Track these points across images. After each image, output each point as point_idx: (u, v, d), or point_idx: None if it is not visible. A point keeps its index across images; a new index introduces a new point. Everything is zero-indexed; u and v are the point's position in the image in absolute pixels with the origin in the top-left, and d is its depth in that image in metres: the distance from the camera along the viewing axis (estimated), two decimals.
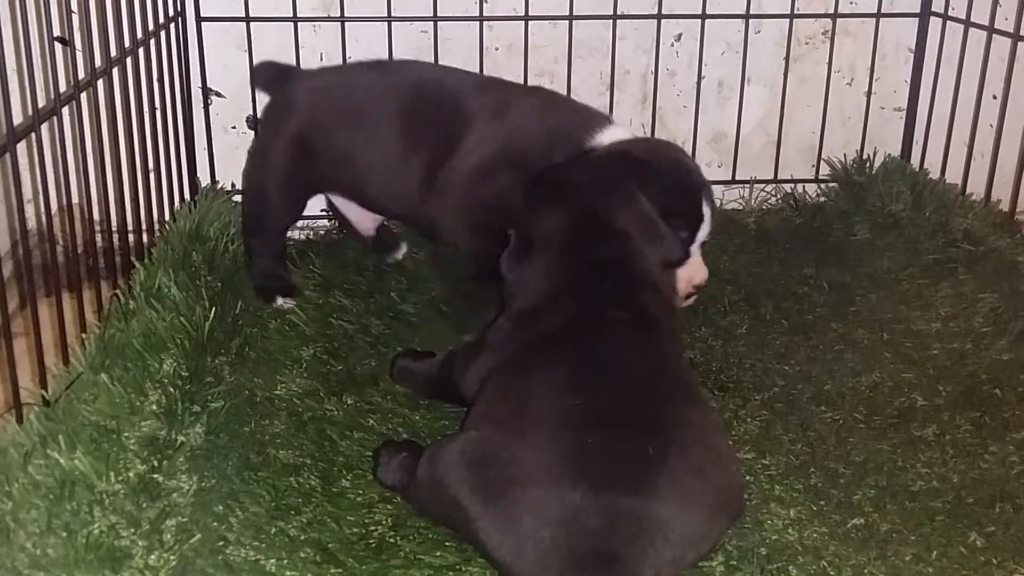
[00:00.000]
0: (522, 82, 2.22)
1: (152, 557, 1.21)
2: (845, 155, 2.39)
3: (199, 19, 2.14)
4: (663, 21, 2.24)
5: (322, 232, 2.21)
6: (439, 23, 2.18)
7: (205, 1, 2.13)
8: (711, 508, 1.21)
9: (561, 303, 1.40)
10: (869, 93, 2.36)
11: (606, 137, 1.70)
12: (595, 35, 2.26)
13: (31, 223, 1.95)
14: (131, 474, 1.30)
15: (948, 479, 1.45)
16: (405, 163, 1.79)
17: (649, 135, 2.31)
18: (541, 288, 1.44)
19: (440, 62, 2.19)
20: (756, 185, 2.40)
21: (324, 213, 2.17)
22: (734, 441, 1.53)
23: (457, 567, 1.26)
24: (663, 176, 1.59)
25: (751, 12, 2.25)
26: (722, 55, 2.32)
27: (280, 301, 1.89)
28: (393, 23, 2.17)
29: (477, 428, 1.28)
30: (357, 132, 1.82)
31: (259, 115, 2.06)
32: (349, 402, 1.62)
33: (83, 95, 1.54)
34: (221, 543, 1.30)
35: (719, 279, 2.03)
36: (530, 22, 2.20)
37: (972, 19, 2.15)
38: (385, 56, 2.18)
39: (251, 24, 2.15)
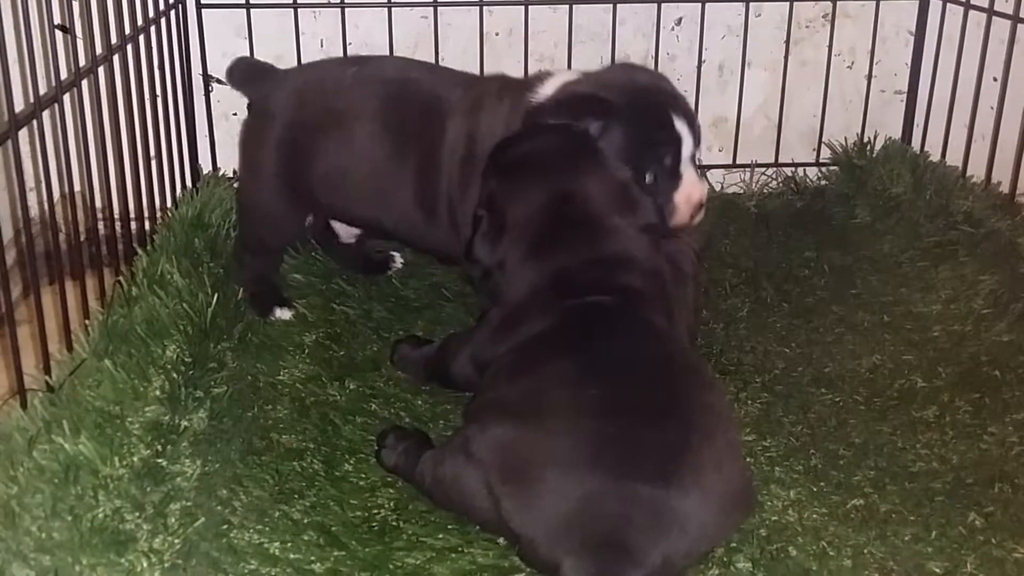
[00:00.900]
0: (523, 68, 2.22)
1: (156, 540, 1.22)
2: (846, 138, 2.39)
3: (199, 6, 2.14)
4: (663, 5, 2.24)
5: None
6: (439, 8, 2.18)
7: None
8: (729, 503, 1.21)
9: (549, 295, 1.39)
10: (869, 76, 2.36)
11: (548, 87, 1.60)
12: (595, 19, 2.25)
13: (33, 211, 1.95)
14: (135, 459, 1.31)
15: (948, 460, 1.45)
16: (395, 176, 1.69)
17: None
18: (526, 279, 1.42)
19: (440, 48, 2.19)
20: (757, 169, 2.40)
21: None
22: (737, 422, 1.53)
23: (459, 549, 1.27)
24: (623, 111, 1.51)
25: None
26: (722, 39, 2.32)
27: (278, 312, 1.82)
28: (393, 9, 2.17)
29: (489, 418, 1.27)
30: (341, 137, 1.71)
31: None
32: (351, 387, 1.63)
33: (84, 82, 1.54)
34: (225, 526, 1.31)
35: (720, 262, 2.04)
36: (530, 7, 2.20)
37: (972, 1, 2.14)
38: (385, 43, 2.18)
39: (251, 11, 2.15)
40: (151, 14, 1.87)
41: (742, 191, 2.38)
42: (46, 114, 1.42)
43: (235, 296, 1.82)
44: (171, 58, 1.99)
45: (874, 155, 2.34)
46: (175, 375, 1.49)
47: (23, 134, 1.36)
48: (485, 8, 2.19)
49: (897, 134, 2.41)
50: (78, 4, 1.65)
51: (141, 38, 1.79)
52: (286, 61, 2.18)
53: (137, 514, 1.24)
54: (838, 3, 2.29)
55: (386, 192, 1.72)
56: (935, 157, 2.27)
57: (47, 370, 1.41)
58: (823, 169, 2.41)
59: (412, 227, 1.73)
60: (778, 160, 2.39)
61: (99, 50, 1.61)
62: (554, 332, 1.35)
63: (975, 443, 1.49)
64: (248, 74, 1.88)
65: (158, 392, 1.44)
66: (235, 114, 2.25)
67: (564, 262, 1.40)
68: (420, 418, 1.56)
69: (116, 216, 1.69)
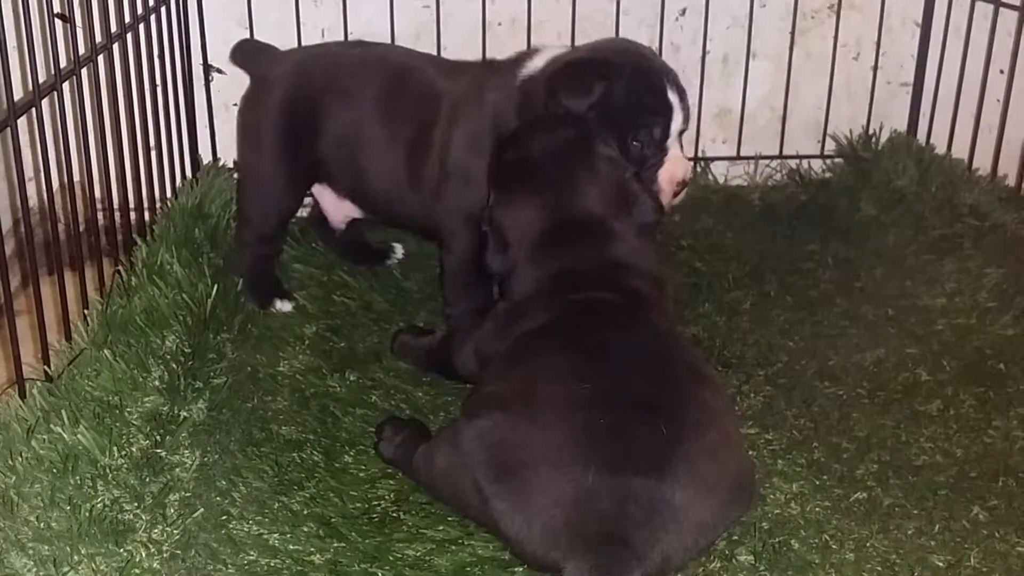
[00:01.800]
0: None
1: (155, 531, 1.21)
2: (851, 130, 2.37)
3: None
4: None
5: None
6: None
7: None
8: (726, 494, 1.20)
9: (553, 290, 1.40)
10: (875, 68, 2.34)
11: (537, 61, 1.62)
12: (598, 9, 2.24)
13: (33, 201, 1.94)
14: (134, 449, 1.30)
15: (951, 454, 1.44)
16: (391, 148, 1.74)
17: None
18: (532, 278, 1.43)
19: (442, 38, 2.18)
20: (761, 161, 2.38)
21: None
22: (738, 416, 1.52)
23: (459, 541, 1.27)
24: (621, 73, 1.52)
25: None
26: (727, 29, 2.30)
27: (279, 304, 1.82)
28: None
29: (485, 412, 1.26)
30: (340, 111, 1.76)
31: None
32: (352, 378, 1.62)
33: (83, 71, 1.53)
34: (224, 517, 1.30)
35: (724, 255, 2.03)
36: None
37: None
38: (387, 32, 2.16)
39: (252, 0, 2.13)
40: (151, 2, 1.86)
41: (746, 183, 2.36)
42: (45, 103, 1.41)
43: (235, 287, 1.81)
44: (171, 47, 1.98)
45: (879, 147, 2.33)
46: (174, 365, 1.48)
47: (22, 123, 1.35)
48: None
49: (902, 126, 2.39)
50: None
51: (141, 27, 1.79)
52: None
53: (136, 504, 1.23)
54: None
55: (377, 163, 1.75)
56: (941, 150, 2.25)
57: (46, 360, 1.41)
58: (828, 161, 2.40)
59: (397, 197, 1.76)
60: (782, 152, 2.37)
61: (99, 39, 1.60)
62: (553, 325, 1.35)
63: (979, 437, 1.48)
64: (250, 52, 1.92)
65: (157, 382, 1.43)
66: (235, 104, 2.23)
67: (567, 265, 1.41)
68: (421, 410, 1.55)
69: (116, 206, 1.68)
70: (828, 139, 2.38)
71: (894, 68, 2.38)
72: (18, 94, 1.34)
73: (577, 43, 2.20)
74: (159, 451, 1.34)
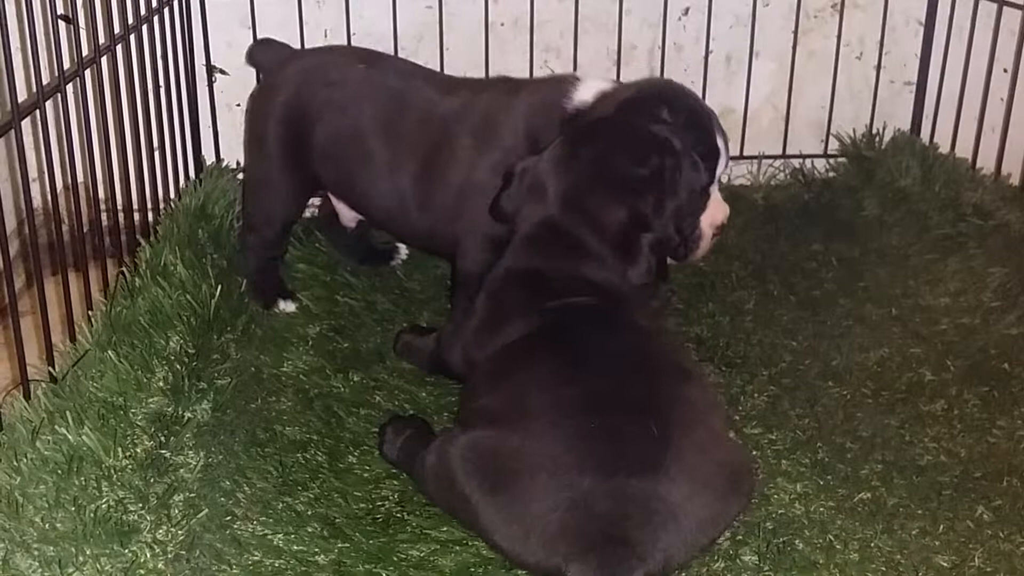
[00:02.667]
0: (528, 58, 2.21)
1: (160, 531, 1.22)
2: (854, 130, 2.37)
3: None
4: None
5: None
6: None
7: None
8: (722, 489, 1.20)
9: (529, 297, 1.40)
10: (878, 67, 2.34)
11: (585, 93, 1.60)
12: (601, 9, 2.24)
13: (37, 202, 1.95)
14: (138, 450, 1.30)
15: (956, 453, 1.44)
16: (393, 171, 1.72)
17: None
18: (507, 288, 1.44)
19: (445, 38, 2.18)
20: (764, 160, 2.38)
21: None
22: (741, 416, 1.53)
23: (463, 542, 1.27)
24: (651, 129, 1.49)
25: None
26: (730, 29, 2.30)
27: (282, 305, 1.82)
28: None
29: (476, 426, 1.27)
30: (338, 126, 1.75)
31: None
32: (355, 379, 1.62)
33: (87, 72, 1.53)
34: (229, 518, 1.30)
35: (727, 255, 2.03)
36: None
37: None
38: (390, 32, 2.16)
39: (255, 0, 2.13)
40: (154, 3, 1.86)
41: (749, 183, 2.36)
42: (49, 104, 1.42)
43: (239, 287, 1.81)
44: (174, 48, 1.98)
45: (883, 147, 2.32)
46: (178, 366, 1.49)
47: (26, 124, 1.35)
48: None
49: (906, 126, 2.39)
50: None
51: (144, 28, 1.79)
52: None
53: (140, 505, 1.23)
54: None
55: (378, 182, 1.74)
56: (944, 149, 2.25)
57: (50, 361, 1.41)
58: (831, 161, 2.39)
59: (399, 215, 1.74)
60: (786, 152, 2.37)
61: (102, 40, 1.60)
62: (535, 334, 1.36)
63: (983, 436, 1.48)
64: (263, 51, 1.91)
65: (161, 383, 1.44)
66: (238, 105, 2.24)
67: (541, 265, 1.42)
68: (424, 410, 1.55)
69: (119, 207, 1.68)
70: (831, 138, 2.38)
71: (897, 67, 2.37)
72: (22, 96, 1.34)
73: (580, 43, 2.21)
74: (163, 452, 1.34)
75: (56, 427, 1.29)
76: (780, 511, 1.33)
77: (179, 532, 1.23)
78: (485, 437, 1.23)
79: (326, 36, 2.20)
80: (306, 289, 1.88)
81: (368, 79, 1.77)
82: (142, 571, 1.16)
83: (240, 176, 2.12)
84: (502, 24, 2.23)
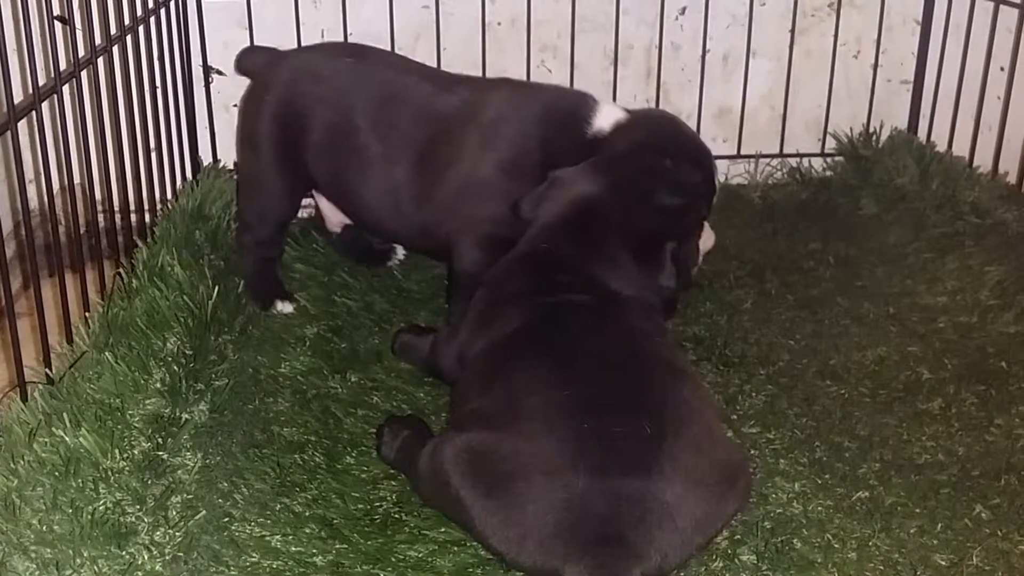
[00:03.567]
0: (525, 58, 2.21)
1: (158, 533, 1.21)
2: (851, 129, 2.37)
3: None
4: None
5: None
6: None
7: None
8: (717, 487, 1.20)
9: (523, 292, 1.41)
10: (875, 66, 2.34)
11: (603, 120, 1.64)
12: (598, 9, 2.24)
13: (33, 203, 1.95)
14: (136, 451, 1.30)
15: (954, 452, 1.44)
16: (387, 167, 1.72)
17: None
18: (508, 276, 1.46)
19: (442, 37, 2.18)
20: (762, 160, 2.38)
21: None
22: (739, 415, 1.53)
23: (461, 543, 1.27)
24: (680, 170, 1.57)
25: None
26: (727, 28, 2.30)
27: (280, 306, 1.82)
28: None
29: (469, 428, 1.27)
30: (329, 123, 1.74)
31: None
32: (353, 380, 1.62)
33: (83, 73, 1.53)
34: (226, 519, 1.30)
35: (724, 254, 2.03)
36: None
37: None
38: (387, 32, 2.16)
39: (251, 0, 2.13)
40: (151, 4, 1.86)
41: (746, 182, 2.36)
42: (45, 105, 1.41)
43: (236, 288, 1.81)
44: (171, 49, 1.98)
45: (880, 145, 2.33)
46: (176, 368, 1.48)
47: (22, 126, 1.35)
48: None
49: (903, 124, 2.39)
50: None
51: (140, 29, 1.78)
52: None
53: (138, 507, 1.23)
54: None
55: (370, 179, 1.74)
56: (941, 147, 2.25)
57: (47, 363, 1.41)
58: (828, 160, 2.40)
59: (391, 213, 1.75)
60: (783, 151, 2.37)
61: (98, 41, 1.60)
62: (526, 334, 1.36)
63: (981, 435, 1.48)
64: (251, 56, 1.91)
65: (159, 385, 1.43)
66: (235, 105, 2.23)
67: (554, 250, 1.45)
68: (422, 411, 1.55)
69: (116, 208, 1.68)
70: (828, 137, 2.38)
71: (894, 66, 2.38)
72: (18, 97, 1.34)
73: (577, 43, 2.21)
74: (161, 453, 1.34)
75: (53, 429, 1.28)
76: (778, 510, 1.33)
77: (177, 534, 1.23)
78: (479, 439, 1.23)
79: (323, 36, 2.19)
80: (303, 290, 1.88)
81: (358, 73, 1.77)
82: (140, 573, 1.15)
83: (236, 177, 2.12)
84: (499, 24, 2.23)
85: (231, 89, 2.21)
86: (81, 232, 1.63)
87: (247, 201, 1.87)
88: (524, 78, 2.20)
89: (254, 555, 1.25)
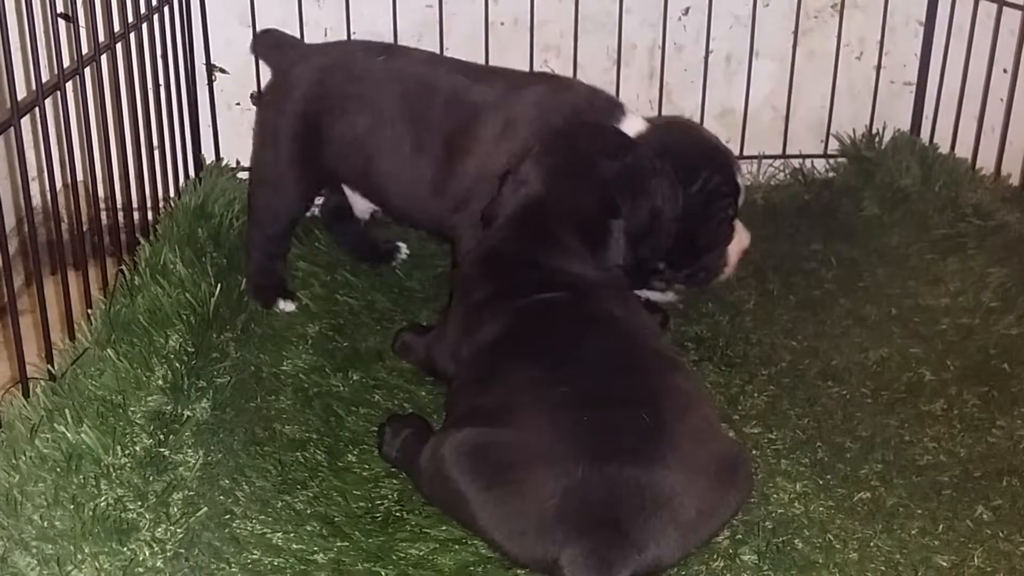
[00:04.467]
0: (528, 58, 2.21)
1: (159, 530, 1.21)
2: (854, 130, 2.37)
3: None
4: None
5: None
6: None
7: None
8: (716, 477, 1.20)
9: (499, 296, 1.41)
10: (878, 67, 2.34)
11: (629, 129, 1.65)
12: (601, 9, 2.24)
13: (36, 200, 1.95)
14: (137, 448, 1.30)
15: (955, 453, 1.44)
16: (415, 157, 1.73)
17: (656, 111, 2.29)
18: (473, 282, 1.46)
19: (445, 37, 2.18)
20: (764, 160, 2.38)
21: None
22: (740, 416, 1.53)
23: (462, 540, 1.27)
24: (702, 170, 1.63)
25: None
26: (730, 29, 2.30)
27: (282, 304, 1.82)
28: None
29: (467, 423, 1.27)
30: (361, 118, 1.75)
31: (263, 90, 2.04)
32: (355, 378, 1.62)
33: (87, 70, 1.53)
34: (228, 516, 1.30)
35: None
36: None
37: None
38: (389, 31, 2.16)
39: None
40: (154, 2, 1.86)
41: (749, 183, 2.35)
42: (48, 102, 1.41)
43: (238, 286, 1.81)
44: (174, 47, 1.98)
45: (882, 147, 2.32)
46: (178, 365, 1.48)
47: (26, 123, 1.35)
48: None
49: (906, 126, 2.39)
50: None
51: (144, 26, 1.79)
52: None
53: (139, 503, 1.23)
54: None
55: (399, 171, 1.74)
56: (944, 149, 2.25)
57: (49, 359, 1.41)
58: (831, 161, 2.39)
59: (417, 203, 1.76)
60: (785, 152, 2.37)
61: (102, 38, 1.60)
62: (513, 334, 1.36)
63: (983, 436, 1.48)
64: (274, 45, 1.91)
65: (160, 382, 1.43)
66: (238, 104, 2.24)
67: (511, 248, 1.46)
68: (424, 409, 1.55)
69: (119, 205, 1.68)
70: (831, 139, 2.38)
71: (897, 67, 2.38)
72: (21, 94, 1.34)
73: (580, 43, 2.21)
74: (163, 450, 1.34)
75: (55, 425, 1.28)
76: (779, 510, 1.33)
77: (178, 530, 1.23)
78: (478, 433, 1.23)
79: (326, 35, 2.20)
80: (306, 288, 1.88)
81: (392, 69, 1.77)
82: (141, 569, 1.16)
83: (240, 175, 2.12)
84: (502, 23, 2.23)
85: (234, 87, 2.22)
86: (84, 229, 1.63)
87: (261, 198, 1.86)
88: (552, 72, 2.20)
89: (255, 552, 1.25)
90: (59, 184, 1.49)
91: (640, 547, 1.13)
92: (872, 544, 1.27)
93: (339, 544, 1.26)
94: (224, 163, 2.20)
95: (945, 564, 1.24)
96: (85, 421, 1.30)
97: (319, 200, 2.15)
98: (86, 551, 1.14)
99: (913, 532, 1.29)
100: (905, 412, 1.53)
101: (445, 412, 1.47)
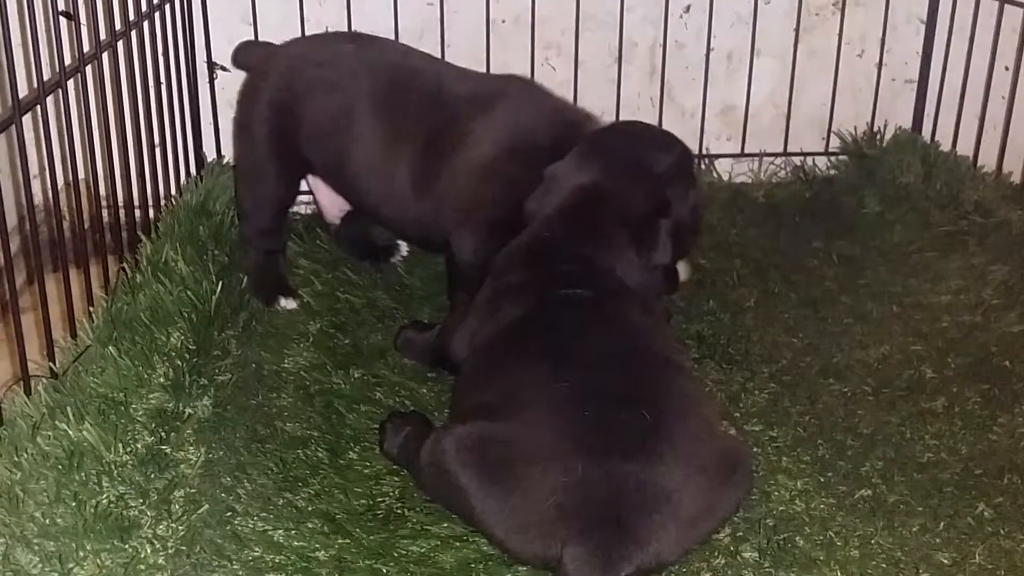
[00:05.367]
0: (529, 55, 2.21)
1: (161, 527, 1.22)
2: (855, 127, 2.37)
3: None
4: None
5: None
6: None
7: None
8: (716, 475, 1.21)
9: (531, 282, 1.42)
10: (880, 65, 2.34)
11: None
12: (602, 7, 2.24)
13: (37, 198, 1.95)
14: (139, 445, 1.31)
15: (956, 451, 1.44)
16: (387, 152, 1.72)
17: (657, 109, 2.29)
18: (510, 266, 1.47)
19: (447, 35, 2.18)
20: (765, 158, 2.38)
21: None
22: (742, 413, 1.53)
23: (464, 537, 1.27)
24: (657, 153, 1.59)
25: None
26: (731, 27, 2.30)
27: (283, 302, 1.82)
28: None
29: (470, 418, 1.27)
30: (333, 106, 1.75)
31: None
32: (356, 375, 1.62)
33: (88, 68, 1.53)
34: (229, 514, 1.30)
35: (728, 252, 2.03)
36: None
37: None
38: (391, 29, 2.16)
39: None
40: (155, 0, 1.86)
41: (750, 180, 2.36)
42: (50, 100, 1.41)
43: (239, 284, 1.81)
44: (175, 45, 1.98)
45: (884, 145, 2.32)
46: (179, 362, 1.49)
47: (27, 120, 1.35)
48: None
49: (907, 123, 2.39)
50: None
51: (145, 24, 1.79)
52: None
53: (141, 501, 1.23)
54: None
55: (371, 165, 1.74)
56: (946, 147, 2.25)
57: (51, 357, 1.41)
58: (832, 158, 2.39)
59: (390, 200, 1.75)
60: (787, 149, 2.37)
61: (103, 36, 1.60)
62: (525, 326, 1.36)
63: (984, 434, 1.48)
64: (247, 50, 1.95)
65: (162, 379, 1.44)
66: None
67: (556, 239, 1.47)
68: (425, 407, 1.55)
69: (120, 203, 1.68)
70: (833, 136, 2.38)
71: (899, 65, 2.37)
72: (23, 91, 1.34)
73: (581, 41, 2.21)
74: (164, 448, 1.34)
75: (57, 423, 1.29)
76: (781, 508, 1.33)
77: (180, 528, 1.23)
78: (480, 429, 1.23)
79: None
80: (307, 286, 1.88)
81: (362, 56, 1.77)
82: (142, 567, 1.16)
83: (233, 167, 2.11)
84: (503, 21, 2.23)
85: (235, 85, 2.20)
86: (85, 227, 1.63)
87: (244, 189, 1.87)
88: (528, 76, 2.20)
89: (257, 549, 1.25)
90: (61, 182, 1.49)
91: (642, 544, 1.14)
92: (873, 541, 1.27)
93: (340, 541, 1.26)
94: (225, 161, 2.20)
95: (946, 561, 1.24)
96: (87, 419, 1.30)
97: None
98: (88, 548, 1.15)
99: (914, 529, 1.29)
100: (906, 409, 1.53)
101: (451, 407, 1.47)
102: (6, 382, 1.47)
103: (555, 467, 1.16)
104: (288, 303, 1.82)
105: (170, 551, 1.20)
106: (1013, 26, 2.05)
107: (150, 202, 1.82)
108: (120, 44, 1.66)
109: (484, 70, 2.18)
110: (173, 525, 1.23)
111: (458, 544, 1.26)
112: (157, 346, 1.49)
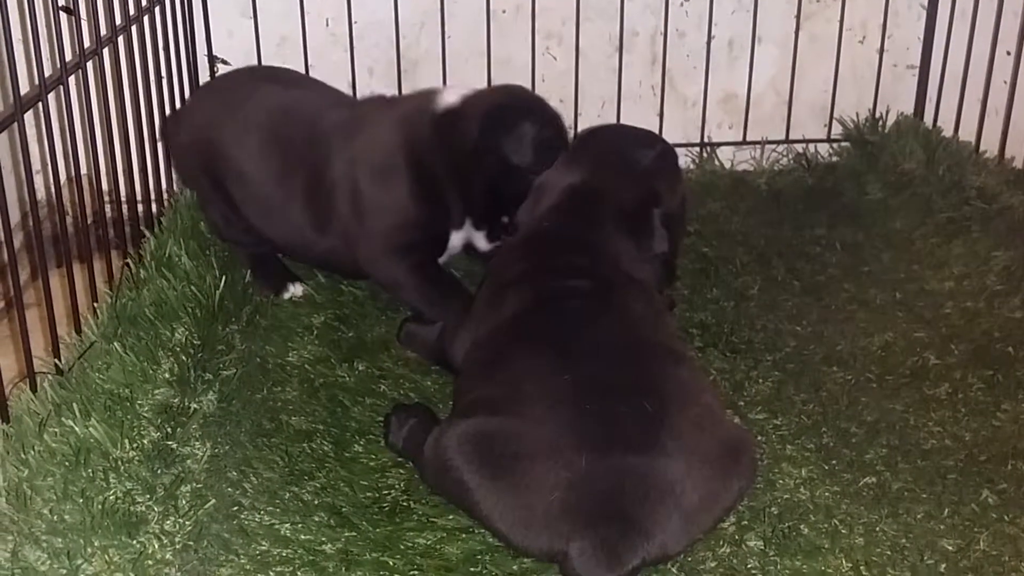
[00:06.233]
0: (529, 45, 2.20)
1: (168, 522, 1.22)
2: (857, 114, 2.37)
3: None
4: None
5: None
6: None
7: None
8: (720, 465, 1.21)
9: (531, 275, 1.42)
10: (881, 51, 2.33)
11: (450, 96, 1.69)
12: None
13: (40, 194, 1.95)
14: (145, 441, 1.31)
15: (960, 437, 1.44)
16: (282, 194, 1.74)
17: (659, 98, 2.29)
18: (510, 259, 1.48)
19: (447, 26, 2.17)
20: (767, 145, 2.38)
21: None
22: (746, 402, 1.53)
23: (469, 529, 1.27)
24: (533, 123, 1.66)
25: None
26: (732, 14, 2.29)
27: (291, 288, 1.82)
28: None
29: (472, 413, 1.27)
30: (233, 151, 1.77)
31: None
32: (360, 368, 1.63)
33: (89, 64, 1.53)
34: (236, 508, 1.31)
35: (731, 240, 2.03)
36: None
37: None
38: (391, 21, 2.16)
39: None
40: None
41: (752, 168, 2.36)
42: (52, 96, 1.42)
43: (243, 278, 1.81)
44: (176, 39, 1.98)
45: (886, 131, 2.32)
46: (184, 357, 1.49)
47: (29, 117, 1.35)
48: None
49: (909, 109, 2.38)
50: None
51: (145, 19, 1.78)
52: (291, 41, 2.17)
53: (148, 496, 1.24)
54: None
55: (276, 207, 1.76)
56: (948, 132, 2.24)
57: (56, 353, 1.41)
58: (834, 145, 2.39)
59: (303, 244, 1.78)
60: (789, 137, 2.37)
61: (103, 31, 1.60)
62: (526, 319, 1.37)
63: (988, 420, 1.48)
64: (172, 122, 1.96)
65: (167, 374, 1.44)
66: None
67: (557, 230, 1.49)
68: (429, 399, 1.55)
69: (123, 198, 1.68)
70: (834, 123, 2.37)
71: (900, 51, 2.37)
72: (24, 88, 1.34)
73: (582, 30, 2.20)
74: (170, 443, 1.34)
75: (63, 419, 1.29)
76: (785, 496, 1.33)
77: (186, 523, 1.24)
78: (482, 423, 1.23)
79: (327, 25, 2.19)
80: (310, 279, 1.88)
81: (262, 94, 1.80)
82: (150, 562, 1.16)
83: None
84: (504, 11, 2.23)
85: None
86: (89, 223, 1.64)
87: (204, 210, 1.87)
88: (529, 66, 2.20)
89: (263, 543, 1.25)
90: (63, 178, 1.49)
91: (647, 536, 1.14)
92: (878, 529, 1.28)
93: (347, 534, 1.27)
94: None
95: (951, 548, 1.25)
96: (93, 415, 1.30)
97: None
98: (96, 544, 1.15)
99: (919, 516, 1.30)
100: (910, 396, 1.53)
101: (453, 402, 1.47)
102: (12, 379, 1.48)
103: (558, 461, 1.16)
104: (296, 288, 1.83)
105: (177, 546, 1.20)
106: (1015, 10, 2.04)
107: (153, 197, 1.82)
108: (120, 39, 1.66)
109: (485, 60, 2.18)
110: (180, 520, 1.24)
111: (464, 536, 1.27)
112: (162, 341, 1.49)
